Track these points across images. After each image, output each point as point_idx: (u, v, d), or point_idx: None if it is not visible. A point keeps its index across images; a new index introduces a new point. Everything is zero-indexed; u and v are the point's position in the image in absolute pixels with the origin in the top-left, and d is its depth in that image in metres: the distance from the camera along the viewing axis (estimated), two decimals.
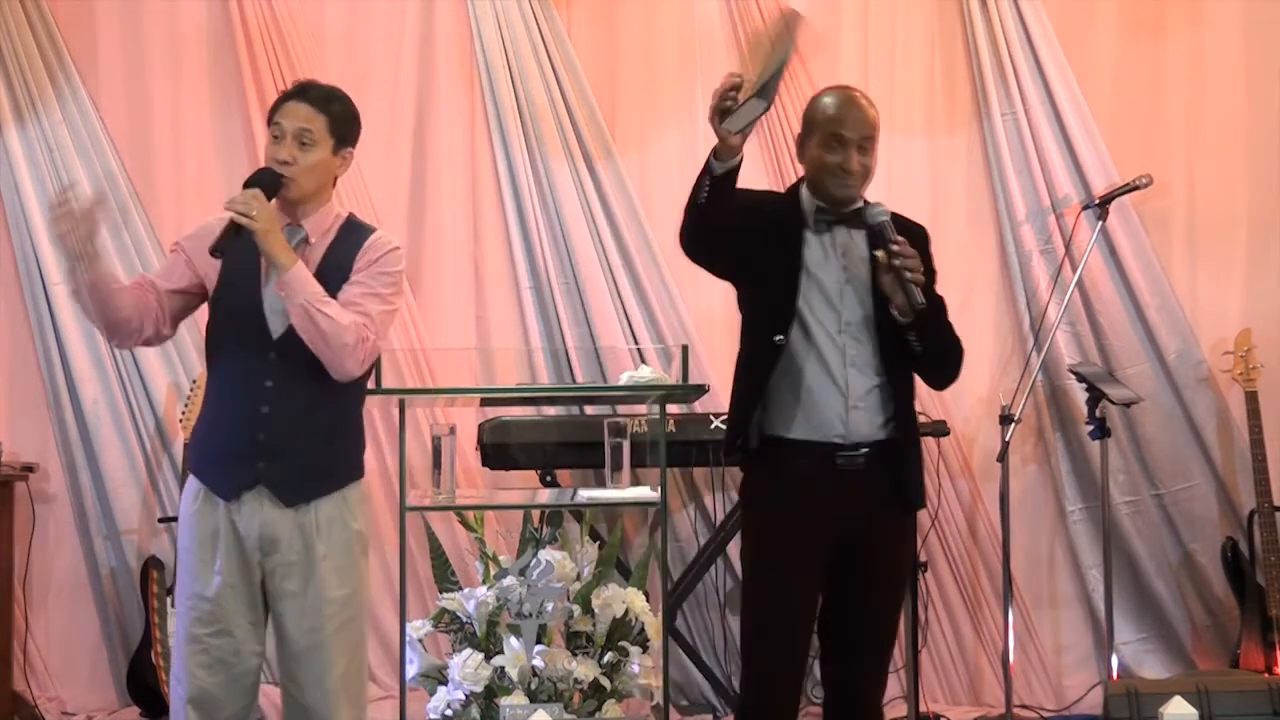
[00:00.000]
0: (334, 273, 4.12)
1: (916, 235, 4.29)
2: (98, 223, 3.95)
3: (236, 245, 3.99)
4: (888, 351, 4.15)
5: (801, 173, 4.31)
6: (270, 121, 4.15)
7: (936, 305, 4.19)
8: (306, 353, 4.04)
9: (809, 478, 4.12)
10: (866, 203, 4.19)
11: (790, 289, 4.14)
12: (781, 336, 4.12)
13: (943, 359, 4.31)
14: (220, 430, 4.10)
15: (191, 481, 4.14)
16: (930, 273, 4.25)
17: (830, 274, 4.17)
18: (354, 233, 4.21)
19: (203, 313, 4.23)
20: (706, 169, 3.97)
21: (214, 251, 3.96)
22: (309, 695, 4.07)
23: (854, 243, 4.19)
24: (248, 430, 4.05)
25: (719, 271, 4.32)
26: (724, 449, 4.37)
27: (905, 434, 4.22)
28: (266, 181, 4.04)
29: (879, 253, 4.08)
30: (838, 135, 4.15)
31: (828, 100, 4.23)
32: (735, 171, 3.96)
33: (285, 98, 4.16)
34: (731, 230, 4.09)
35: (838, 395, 4.12)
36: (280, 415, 4.05)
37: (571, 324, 6.75)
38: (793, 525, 4.14)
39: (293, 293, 3.98)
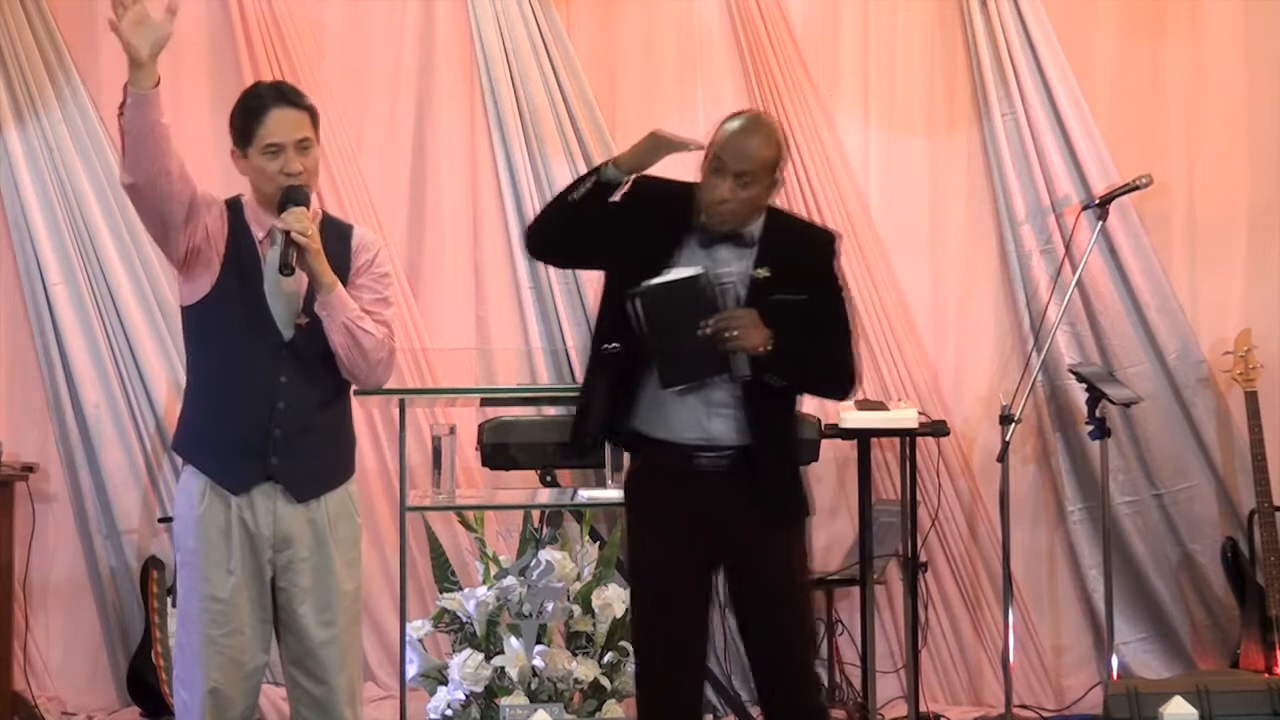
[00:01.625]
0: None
1: (813, 242, 4.27)
2: (166, 29, 3.82)
3: (236, 249, 4.04)
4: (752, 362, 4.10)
5: None
6: (252, 132, 4.05)
7: (815, 327, 4.11)
8: (317, 351, 4.08)
9: (673, 477, 4.13)
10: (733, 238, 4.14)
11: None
12: (615, 345, 4.12)
13: (821, 383, 4.29)
14: (229, 423, 4.07)
15: (192, 481, 4.10)
16: (831, 280, 4.21)
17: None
18: (335, 229, 4.20)
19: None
20: (600, 173, 4.07)
21: (288, 270, 3.96)
22: (325, 689, 4.10)
23: (728, 261, 4.14)
24: (262, 425, 4.05)
25: (565, 265, 4.37)
26: (573, 440, 4.33)
27: (774, 442, 4.16)
28: (305, 200, 4.03)
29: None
30: (719, 159, 4.10)
31: (728, 124, 4.17)
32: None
33: (262, 105, 4.06)
34: (600, 231, 4.12)
35: (697, 402, 4.11)
36: (295, 411, 4.08)
37: (572, 324, 6.73)
38: (660, 524, 4.15)
39: (335, 311, 4.03)
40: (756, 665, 4.30)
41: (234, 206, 4.15)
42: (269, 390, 4.06)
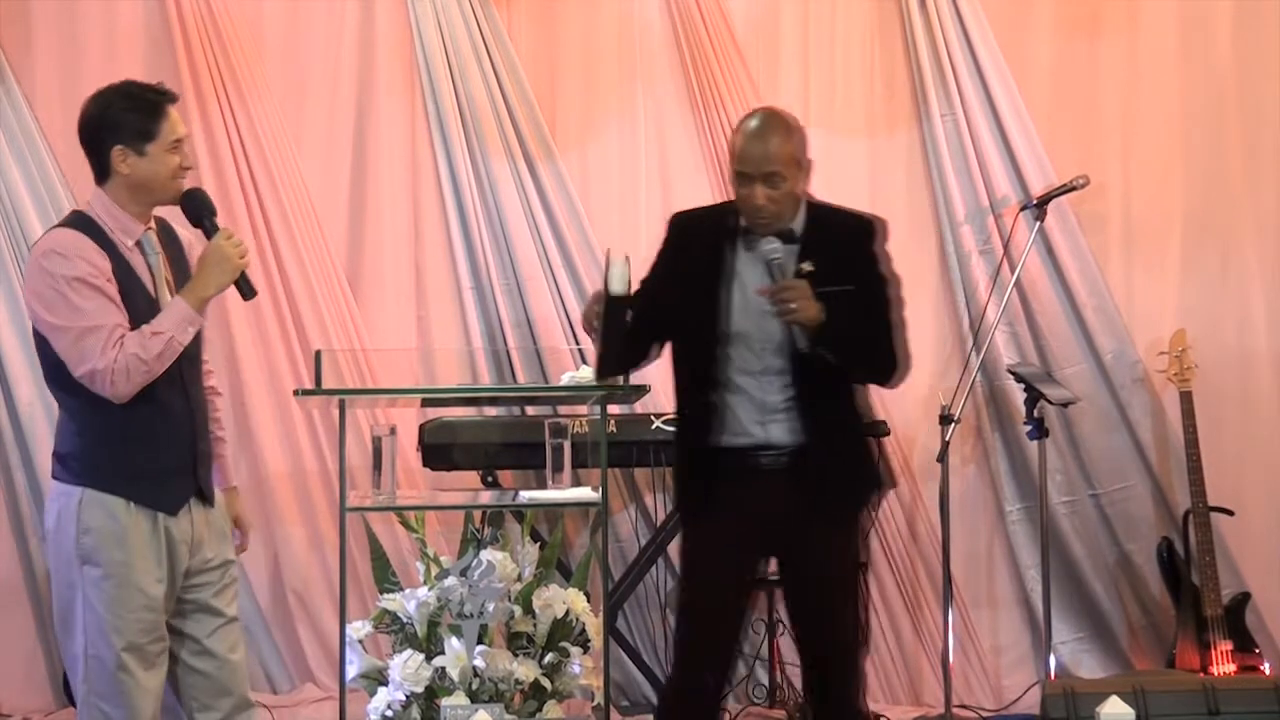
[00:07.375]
0: (181, 274, 4.13)
1: (853, 232, 4.31)
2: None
3: (121, 273, 3.99)
4: (805, 362, 4.15)
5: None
6: (155, 129, 3.98)
7: (862, 314, 4.17)
8: (198, 355, 4.13)
9: (731, 478, 4.18)
10: (776, 233, 4.18)
11: (712, 311, 4.19)
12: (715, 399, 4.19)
13: (869, 367, 4.32)
14: (157, 448, 4.03)
15: (105, 498, 3.98)
16: (872, 269, 4.27)
17: (751, 291, 4.18)
18: (170, 234, 4.20)
19: None
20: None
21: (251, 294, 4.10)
22: (228, 669, 4.15)
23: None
24: (189, 440, 4.08)
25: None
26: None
27: (831, 442, 4.22)
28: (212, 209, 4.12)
29: (760, 289, 4.10)
30: (741, 173, 4.16)
31: (740, 131, 4.22)
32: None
33: (162, 101, 4.02)
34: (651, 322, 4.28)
35: (753, 409, 4.17)
36: (203, 421, 4.16)
37: (513, 324, 6.74)
38: (715, 526, 4.20)
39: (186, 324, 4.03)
40: (809, 663, 4.36)
41: (88, 227, 4.01)
42: (187, 406, 4.09)
